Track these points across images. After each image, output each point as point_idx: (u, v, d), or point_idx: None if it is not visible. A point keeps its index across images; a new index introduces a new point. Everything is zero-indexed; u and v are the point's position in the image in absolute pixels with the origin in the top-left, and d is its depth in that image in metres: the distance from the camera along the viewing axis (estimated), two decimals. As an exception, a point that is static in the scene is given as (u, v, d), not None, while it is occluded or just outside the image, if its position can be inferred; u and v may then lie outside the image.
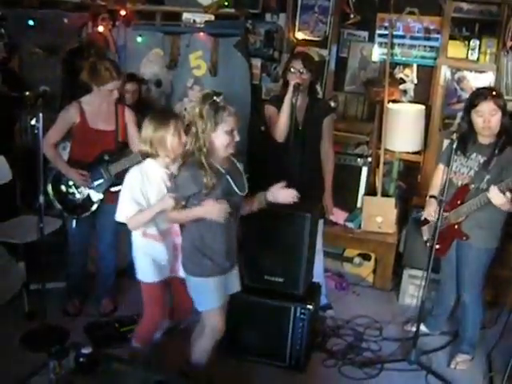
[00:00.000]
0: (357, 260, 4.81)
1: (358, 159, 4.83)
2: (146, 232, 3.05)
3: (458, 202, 3.41)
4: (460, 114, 4.63)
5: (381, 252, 4.63)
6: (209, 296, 2.91)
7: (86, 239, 3.95)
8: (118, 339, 3.61)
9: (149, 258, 3.08)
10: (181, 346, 3.23)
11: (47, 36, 5.21)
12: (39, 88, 4.73)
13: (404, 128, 4.73)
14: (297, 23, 5.27)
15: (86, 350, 2.63)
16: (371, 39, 5.12)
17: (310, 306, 3.40)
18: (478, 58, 4.69)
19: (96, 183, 3.72)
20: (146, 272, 3.11)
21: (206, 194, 2.74)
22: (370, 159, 4.86)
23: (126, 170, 3.69)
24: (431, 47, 4.92)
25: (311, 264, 3.60)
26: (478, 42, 4.66)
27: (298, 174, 3.65)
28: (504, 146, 3.28)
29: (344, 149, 4.96)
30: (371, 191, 4.81)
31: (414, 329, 3.67)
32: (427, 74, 4.97)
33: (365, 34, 5.15)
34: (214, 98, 2.78)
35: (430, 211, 3.51)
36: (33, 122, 4.57)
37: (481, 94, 3.27)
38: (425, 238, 3.69)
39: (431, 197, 3.58)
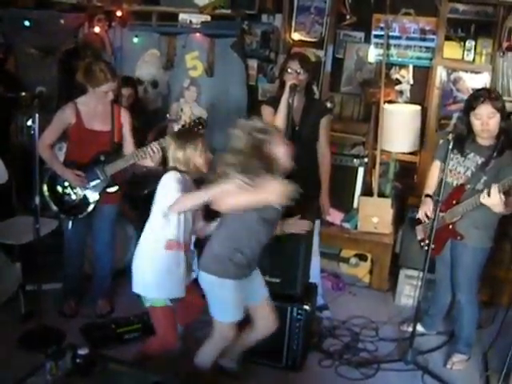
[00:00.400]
0: (353, 260, 4.81)
1: (355, 160, 4.83)
2: (170, 242, 2.93)
3: (454, 202, 3.42)
4: (456, 115, 4.68)
5: (377, 252, 4.64)
6: (225, 304, 2.89)
7: (82, 240, 3.94)
8: (115, 340, 3.61)
9: (171, 273, 2.95)
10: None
11: (43, 37, 5.21)
12: (35, 89, 4.73)
13: (400, 129, 4.74)
14: (293, 24, 5.28)
15: (82, 351, 2.62)
16: (367, 40, 5.13)
17: (306, 307, 3.40)
18: (473, 59, 4.70)
19: (92, 184, 3.72)
20: (167, 290, 2.98)
21: None
22: (366, 160, 4.87)
23: (121, 171, 3.73)
24: (427, 48, 4.93)
25: (308, 264, 3.61)
26: (473, 43, 4.67)
27: (295, 174, 3.64)
28: (503, 148, 3.28)
29: (340, 149, 4.97)
30: (367, 192, 4.81)
31: (410, 329, 3.68)
32: (423, 75, 4.98)
33: (361, 34, 5.17)
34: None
35: (425, 210, 3.52)
36: (29, 122, 4.62)
37: (479, 97, 3.26)
38: (419, 238, 3.70)
39: (426, 196, 3.59)
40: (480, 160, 3.35)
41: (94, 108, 3.66)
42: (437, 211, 3.30)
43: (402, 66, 5.03)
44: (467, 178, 3.39)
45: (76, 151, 3.73)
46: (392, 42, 4.98)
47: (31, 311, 3.75)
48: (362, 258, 4.80)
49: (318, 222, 3.89)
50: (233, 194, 2.70)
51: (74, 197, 3.76)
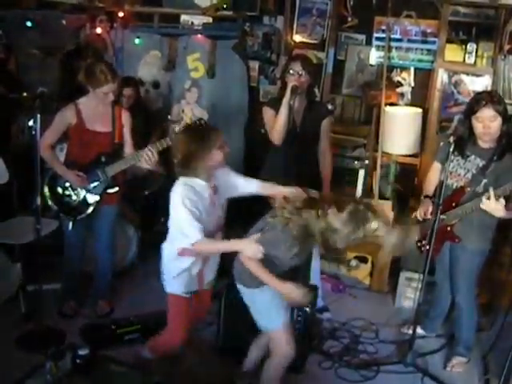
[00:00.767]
0: (353, 262, 4.81)
1: (355, 162, 4.84)
2: (184, 251, 2.90)
3: (453, 205, 3.42)
4: (457, 118, 4.68)
5: (377, 254, 4.64)
6: (269, 311, 2.86)
7: (83, 241, 3.94)
8: (115, 341, 3.61)
9: (181, 270, 2.98)
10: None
11: (45, 37, 5.21)
12: (37, 89, 4.73)
13: (401, 131, 4.75)
14: (295, 26, 5.29)
15: (82, 352, 2.63)
16: (369, 42, 5.14)
17: (306, 309, 3.40)
18: (474, 62, 4.70)
19: (92, 185, 3.72)
20: (175, 284, 3.01)
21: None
22: (367, 162, 4.87)
23: (122, 172, 3.74)
24: (428, 50, 4.94)
25: (308, 266, 3.61)
26: (474, 46, 4.67)
27: (296, 176, 3.65)
28: (503, 151, 3.28)
29: (341, 151, 4.97)
30: (368, 194, 4.82)
31: (410, 331, 3.68)
32: (424, 78, 4.98)
33: (362, 37, 5.17)
34: None
35: (423, 211, 3.52)
36: (30, 122, 4.61)
37: (481, 100, 3.25)
38: (415, 239, 3.70)
39: (426, 197, 3.59)
40: (481, 163, 3.35)
41: (94, 109, 3.67)
42: (438, 213, 3.30)
43: (404, 68, 5.03)
44: (467, 181, 3.39)
45: (76, 152, 3.73)
46: (393, 44, 4.99)
47: (31, 311, 3.75)
48: (362, 260, 4.80)
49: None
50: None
51: (74, 197, 3.76)
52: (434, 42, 4.88)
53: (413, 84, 5.03)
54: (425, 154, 4.86)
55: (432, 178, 3.60)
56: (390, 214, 4.58)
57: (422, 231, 3.61)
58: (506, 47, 4.55)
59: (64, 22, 5.30)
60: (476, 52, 4.68)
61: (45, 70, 5.22)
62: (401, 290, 4.46)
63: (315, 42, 5.25)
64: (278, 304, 2.86)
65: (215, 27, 5.24)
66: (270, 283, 2.74)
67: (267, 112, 3.81)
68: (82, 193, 3.74)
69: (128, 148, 3.74)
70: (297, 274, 3.04)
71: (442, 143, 3.65)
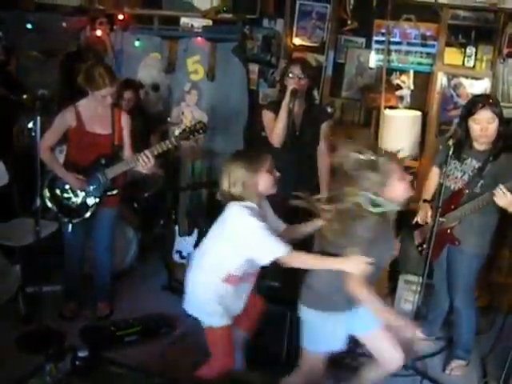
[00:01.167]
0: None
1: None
2: (230, 276, 2.82)
3: (452, 207, 3.43)
4: (456, 121, 4.68)
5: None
6: (319, 336, 2.77)
7: (82, 243, 3.94)
8: (114, 343, 3.61)
9: (221, 305, 2.86)
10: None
11: (45, 39, 5.22)
12: (37, 91, 4.74)
13: (400, 134, 4.75)
14: (294, 29, 5.29)
15: (82, 354, 2.63)
16: (368, 45, 5.14)
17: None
18: (474, 65, 4.71)
19: (92, 187, 3.72)
20: (215, 316, 2.88)
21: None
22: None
23: (122, 174, 3.74)
24: (428, 54, 4.94)
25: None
26: (474, 49, 4.68)
27: (295, 179, 3.66)
28: (499, 152, 3.30)
29: (340, 154, 4.97)
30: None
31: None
32: (424, 81, 4.98)
33: (362, 40, 5.17)
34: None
35: (423, 215, 3.53)
36: (30, 124, 4.62)
37: (478, 102, 3.28)
38: (416, 243, 3.71)
39: (425, 201, 3.60)
40: (477, 164, 3.36)
41: (94, 111, 3.68)
42: (437, 217, 3.30)
43: (403, 71, 5.03)
44: (464, 183, 3.40)
45: (76, 154, 3.74)
46: (393, 47, 4.99)
47: (31, 313, 3.75)
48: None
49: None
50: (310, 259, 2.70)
51: (74, 200, 3.76)
52: (433, 46, 4.89)
53: (412, 87, 5.03)
54: (424, 157, 4.86)
55: (431, 182, 3.62)
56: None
57: (422, 235, 3.61)
58: (505, 51, 4.55)
59: (64, 24, 5.32)
60: (475, 55, 4.69)
61: (45, 72, 5.22)
62: (400, 292, 4.46)
63: (315, 44, 5.26)
64: (337, 333, 2.76)
65: (215, 30, 5.25)
66: (374, 306, 2.60)
67: (267, 115, 3.82)
68: (82, 195, 3.74)
69: (127, 150, 3.75)
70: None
71: (440, 146, 3.66)
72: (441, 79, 4.80)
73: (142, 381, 2.64)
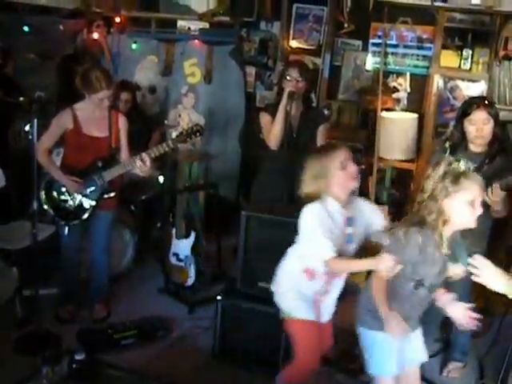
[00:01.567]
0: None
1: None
2: (312, 271, 2.76)
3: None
4: (453, 123, 4.70)
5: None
6: (384, 358, 2.63)
7: (79, 245, 3.93)
8: (111, 345, 3.60)
9: (298, 293, 2.83)
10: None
11: (42, 42, 5.23)
12: (34, 94, 4.74)
13: (397, 136, 4.77)
14: (291, 32, 5.31)
15: (79, 356, 2.64)
16: (365, 48, 5.16)
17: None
18: (470, 68, 4.73)
19: (89, 190, 3.72)
20: (295, 307, 2.84)
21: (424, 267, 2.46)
22: (363, 167, 4.88)
23: (119, 177, 3.74)
24: (424, 56, 4.96)
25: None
26: (470, 52, 4.70)
27: (292, 181, 3.66)
28: (495, 154, 3.30)
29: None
30: (366, 198, 4.82)
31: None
32: (420, 83, 5.00)
33: (358, 42, 5.19)
34: (458, 164, 2.46)
35: None
36: (27, 127, 4.61)
37: (473, 103, 3.29)
38: None
39: (419, 202, 3.59)
40: (472, 167, 3.36)
41: (91, 113, 3.67)
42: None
43: (400, 74, 5.05)
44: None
45: (73, 156, 3.73)
46: (389, 50, 5.02)
47: (28, 316, 3.74)
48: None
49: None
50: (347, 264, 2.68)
51: (70, 202, 3.76)
52: (429, 48, 4.91)
53: (409, 89, 5.05)
54: (421, 159, 4.87)
55: None
56: (387, 219, 4.59)
57: None
58: (501, 53, 4.58)
59: (61, 27, 5.33)
60: (471, 58, 4.71)
61: (42, 74, 5.23)
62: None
63: (311, 47, 5.28)
64: (393, 353, 2.61)
65: (212, 33, 5.26)
66: (383, 311, 2.49)
67: (264, 117, 3.82)
68: (79, 198, 3.73)
69: (124, 153, 3.75)
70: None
71: (437, 148, 3.66)
72: (437, 82, 4.82)
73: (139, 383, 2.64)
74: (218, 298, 3.48)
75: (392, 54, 5.03)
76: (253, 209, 3.50)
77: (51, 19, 5.30)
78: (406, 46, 5.00)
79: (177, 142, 3.70)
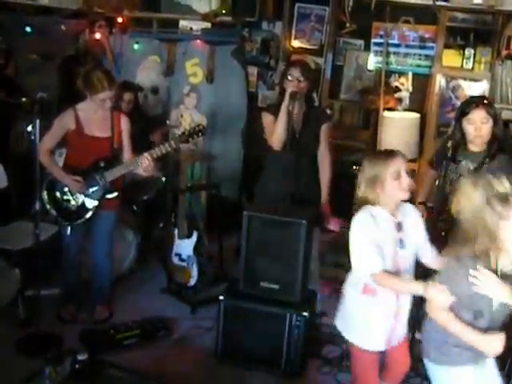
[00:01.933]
0: (352, 267, 4.80)
1: (354, 167, 4.83)
2: (372, 287, 2.59)
3: (446, 209, 3.42)
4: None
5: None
6: None
7: (81, 246, 3.93)
8: (114, 346, 3.60)
9: (368, 321, 2.66)
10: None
11: (44, 43, 5.23)
12: (36, 94, 4.74)
13: (399, 136, 4.76)
14: (293, 31, 5.31)
15: (81, 357, 2.63)
16: (367, 48, 5.16)
17: (305, 314, 3.39)
18: (472, 67, 4.72)
19: (91, 190, 3.72)
20: (357, 334, 2.70)
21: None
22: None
23: (121, 177, 3.74)
24: (426, 56, 4.96)
25: (307, 271, 3.60)
26: (472, 51, 4.70)
27: (295, 181, 3.66)
28: (494, 154, 3.29)
29: (340, 156, 4.97)
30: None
31: (409, 336, 3.67)
32: (422, 83, 5.00)
33: (360, 42, 5.19)
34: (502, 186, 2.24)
35: None
36: (29, 128, 4.62)
37: (472, 102, 3.28)
38: None
39: (420, 203, 3.59)
40: (472, 166, 3.36)
41: (93, 114, 3.67)
42: (438, 217, 3.30)
43: (402, 73, 5.05)
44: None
45: (75, 157, 3.74)
46: (391, 49, 5.01)
47: (30, 316, 3.74)
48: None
49: (317, 229, 3.89)
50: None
51: (73, 202, 3.76)
52: (431, 48, 4.91)
53: (411, 89, 5.05)
54: (423, 159, 4.87)
55: (426, 184, 3.61)
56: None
57: None
58: (504, 52, 4.57)
59: (63, 27, 5.33)
60: (474, 57, 4.70)
61: (44, 75, 5.23)
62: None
63: (313, 47, 5.27)
64: None
65: (214, 33, 5.26)
66: (468, 337, 2.25)
67: (266, 117, 3.82)
68: (81, 198, 3.74)
69: (127, 153, 3.75)
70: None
71: (437, 148, 3.66)
72: (439, 81, 4.81)
73: (141, 384, 2.64)
74: (220, 298, 3.47)
75: (394, 53, 5.03)
76: (255, 209, 3.50)
77: (53, 20, 5.30)
78: (407, 46, 4.99)
79: (179, 142, 3.70)
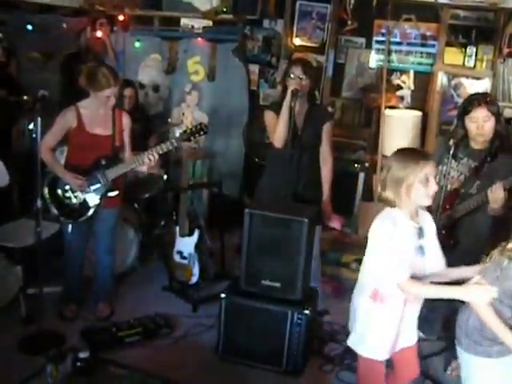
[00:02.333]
0: (354, 265, 4.81)
1: (355, 165, 4.84)
2: (381, 293, 2.51)
3: (447, 207, 3.42)
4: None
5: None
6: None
7: (83, 244, 3.93)
8: (115, 344, 3.60)
9: (375, 331, 2.59)
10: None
11: (46, 41, 5.24)
12: (37, 92, 4.73)
13: (401, 134, 4.76)
14: (294, 29, 5.31)
15: (83, 355, 2.64)
16: (368, 46, 5.15)
17: (306, 311, 3.39)
18: (474, 65, 4.72)
19: (92, 188, 3.72)
20: (374, 348, 2.61)
21: None
22: (367, 165, 4.88)
23: (122, 175, 3.74)
24: (428, 54, 4.95)
25: (308, 269, 3.61)
26: (474, 49, 4.69)
27: (296, 179, 3.66)
28: (496, 152, 3.28)
29: (341, 154, 4.98)
30: (370, 197, 4.82)
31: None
32: (424, 81, 5.00)
33: (362, 40, 5.19)
34: None
35: None
36: (31, 126, 4.62)
37: (474, 100, 3.27)
38: None
39: None
40: (473, 164, 3.35)
41: (95, 112, 3.67)
42: (439, 216, 3.29)
43: (403, 71, 5.04)
44: (460, 183, 3.39)
45: (77, 155, 3.73)
46: (393, 47, 5.01)
47: (32, 314, 3.75)
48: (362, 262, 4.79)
49: (318, 227, 3.89)
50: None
51: (74, 200, 3.76)
52: (433, 45, 4.90)
53: (412, 87, 5.04)
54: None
55: None
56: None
57: None
58: (506, 50, 4.56)
59: (65, 25, 5.33)
60: (476, 55, 4.69)
61: (45, 73, 5.24)
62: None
63: (315, 45, 5.27)
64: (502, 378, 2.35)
65: (215, 31, 5.26)
66: (507, 338, 2.24)
67: (268, 115, 3.82)
68: (82, 196, 3.74)
69: (128, 151, 3.75)
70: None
71: (438, 146, 3.65)
72: (441, 79, 4.81)
73: (143, 381, 2.64)
74: (222, 295, 3.47)
75: (396, 51, 5.02)
76: (256, 207, 3.50)
77: (54, 18, 5.30)
78: (409, 44, 4.99)
79: (181, 141, 3.70)
